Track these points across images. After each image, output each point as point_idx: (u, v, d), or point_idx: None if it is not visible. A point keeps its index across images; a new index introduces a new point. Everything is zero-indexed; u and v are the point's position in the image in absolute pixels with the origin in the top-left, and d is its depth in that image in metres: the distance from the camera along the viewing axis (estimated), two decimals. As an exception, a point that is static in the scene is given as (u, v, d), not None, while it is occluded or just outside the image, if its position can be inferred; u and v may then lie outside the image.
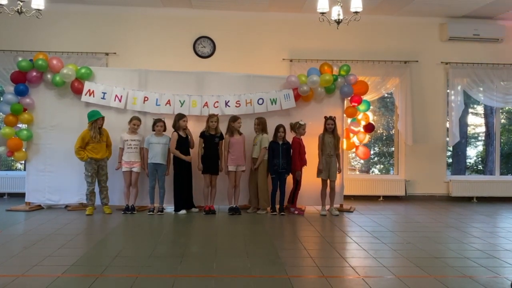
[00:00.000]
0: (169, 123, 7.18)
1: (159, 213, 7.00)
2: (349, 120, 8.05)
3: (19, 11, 5.82)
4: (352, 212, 7.58)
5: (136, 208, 7.10)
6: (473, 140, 12.08)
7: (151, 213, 6.99)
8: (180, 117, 7.05)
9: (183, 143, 7.06)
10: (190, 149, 7.13)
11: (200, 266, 4.35)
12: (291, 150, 7.25)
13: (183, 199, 7.11)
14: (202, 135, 7.10)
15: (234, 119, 7.18)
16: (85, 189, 6.96)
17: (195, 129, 7.26)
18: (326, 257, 4.78)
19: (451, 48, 9.06)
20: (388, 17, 8.96)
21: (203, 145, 7.08)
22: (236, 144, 7.16)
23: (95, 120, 6.87)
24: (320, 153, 7.25)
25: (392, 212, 7.56)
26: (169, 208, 7.24)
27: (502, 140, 10.57)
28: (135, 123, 7.07)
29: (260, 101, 7.48)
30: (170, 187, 7.17)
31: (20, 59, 7.21)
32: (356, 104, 7.86)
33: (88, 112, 7.02)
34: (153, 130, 7.06)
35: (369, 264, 4.59)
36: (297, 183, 7.32)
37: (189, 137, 7.14)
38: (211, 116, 7.08)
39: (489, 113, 10.60)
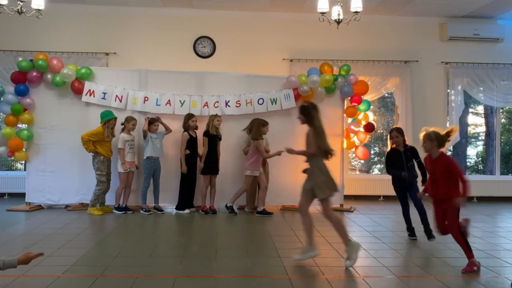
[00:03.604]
0: (168, 123, 7.21)
1: (158, 212, 7.01)
2: (349, 120, 8.05)
3: (19, 11, 5.84)
4: (352, 212, 7.58)
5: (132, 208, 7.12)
6: (473, 140, 12.10)
7: (146, 212, 6.96)
8: (189, 117, 7.08)
9: (193, 143, 7.10)
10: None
11: (200, 266, 4.35)
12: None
13: (187, 199, 7.13)
14: (206, 134, 7.10)
15: (264, 123, 7.02)
16: (93, 189, 6.93)
17: (195, 129, 7.25)
18: (326, 257, 4.77)
19: (451, 48, 9.06)
20: (388, 17, 8.95)
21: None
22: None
23: (108, 120, 6.88)
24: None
25: (392, 212, 7.54)
26: (169, 207, 7.25)
27: (502, 140, 10.57)
28: (134, 123, 7.07)
29: (260, 101, 7.48)
30: (172, 187, 7.19)
31: (20, 59, 7.21)
32: (356, 104, 7.85)
33: (96, 112, 7.05)
34: (148, 129, 7.02)
35: (369, 264, 4.59)
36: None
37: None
38: (216, 116, 7.09)
39: (489, 113, 10.60)
